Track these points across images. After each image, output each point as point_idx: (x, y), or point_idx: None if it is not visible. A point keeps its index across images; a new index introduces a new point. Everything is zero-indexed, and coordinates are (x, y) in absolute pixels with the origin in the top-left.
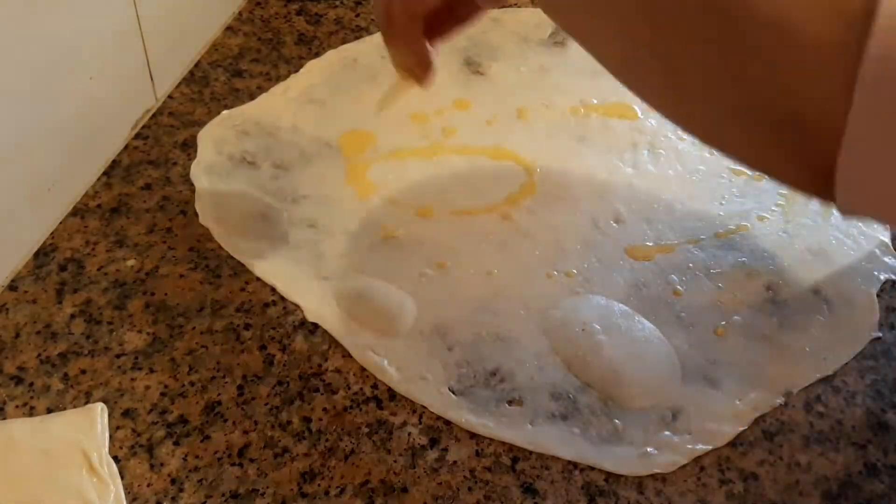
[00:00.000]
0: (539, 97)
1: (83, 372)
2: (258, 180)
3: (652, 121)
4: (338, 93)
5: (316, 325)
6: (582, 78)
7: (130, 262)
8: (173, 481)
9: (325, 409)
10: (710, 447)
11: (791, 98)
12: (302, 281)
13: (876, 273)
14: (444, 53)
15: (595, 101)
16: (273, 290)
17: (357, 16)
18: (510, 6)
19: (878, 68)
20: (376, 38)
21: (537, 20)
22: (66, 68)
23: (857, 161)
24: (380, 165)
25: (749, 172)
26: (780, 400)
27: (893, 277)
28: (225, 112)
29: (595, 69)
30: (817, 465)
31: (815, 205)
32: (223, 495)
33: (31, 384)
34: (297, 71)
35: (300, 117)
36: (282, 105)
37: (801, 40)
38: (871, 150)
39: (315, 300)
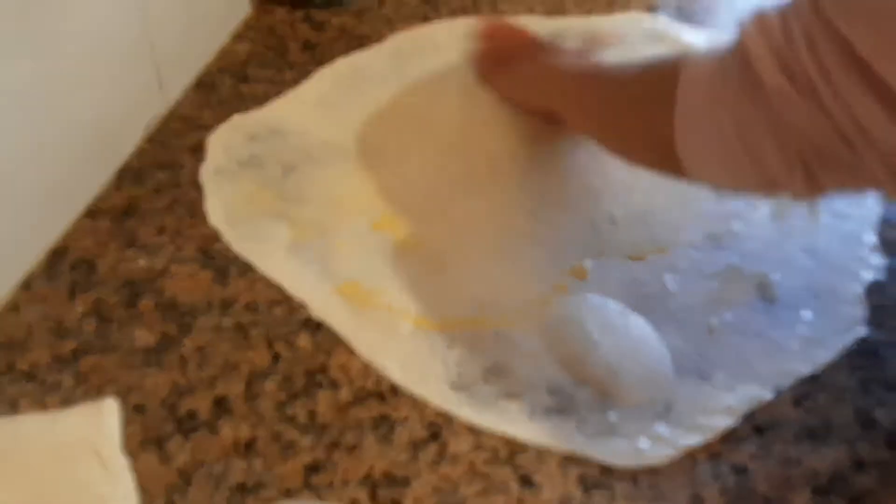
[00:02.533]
0: None
1: (94, 369)
2: (266, 182)
3: None
4: (349, 98)
5: (321, 323)
6: None
7: (141, 262)
8: (182, 475)
9: (329, 405)
10: (702, 441)
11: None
12: (308, 280)
13: (863, 272)
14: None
15: None
16: (279, 289)
17: (360, 23)
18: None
19: (683, 89)
20: (385, 47)
21: (537, 23)
22: (78, 76)
23: (683, 141)
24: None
25: None
26: (771, 395)
27: (880, 277)
28: (236, 116)
29: None
30: (807, 460)
31: (804, 207)
32: (231, 488)
33: (44, 381)
34: (302, 76)
35: (310, 121)
36: (292, 109)
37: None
38: (690, 133)
39: (320, 299)
